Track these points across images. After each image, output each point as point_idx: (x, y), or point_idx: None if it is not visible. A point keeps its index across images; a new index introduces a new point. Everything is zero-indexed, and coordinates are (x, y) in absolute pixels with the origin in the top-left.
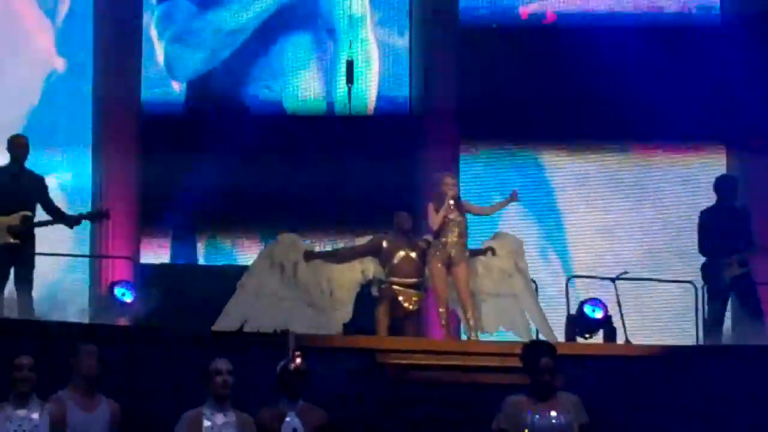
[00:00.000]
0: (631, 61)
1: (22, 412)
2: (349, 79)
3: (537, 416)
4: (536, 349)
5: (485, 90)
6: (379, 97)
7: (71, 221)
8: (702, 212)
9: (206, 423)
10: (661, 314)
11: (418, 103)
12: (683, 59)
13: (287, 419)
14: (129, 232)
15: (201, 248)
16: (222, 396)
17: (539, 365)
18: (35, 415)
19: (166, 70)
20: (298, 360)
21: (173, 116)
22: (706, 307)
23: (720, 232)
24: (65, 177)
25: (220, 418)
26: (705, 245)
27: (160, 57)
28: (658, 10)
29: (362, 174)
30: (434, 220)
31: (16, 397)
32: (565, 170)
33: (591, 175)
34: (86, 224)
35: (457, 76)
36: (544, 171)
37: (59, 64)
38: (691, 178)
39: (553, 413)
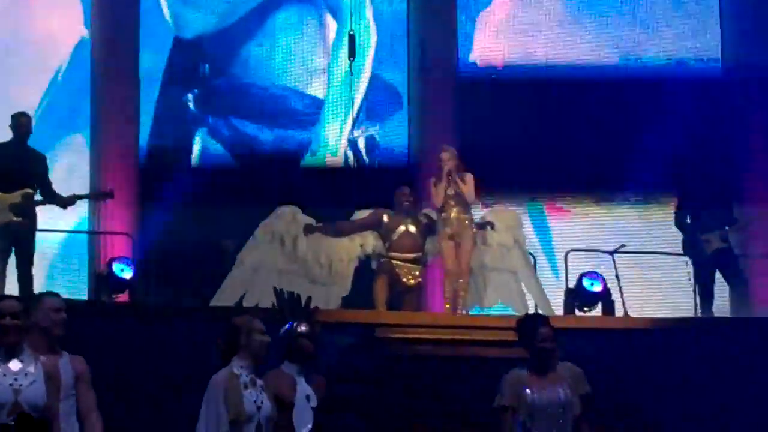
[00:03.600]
0: None
1: (15, 366)
2: (351, 53)
3: (537, 392)
4: (533, 321)
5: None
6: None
7: (68, 202)
8: (683, 187)
9: (242, 380)
10: (659, 287)
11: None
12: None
13: (299, 386)
14: (128, 208)
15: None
16: (260, 356)
17: (539, 334)
18: (31, 368)
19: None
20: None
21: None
22: (692, 281)
23: (700, 207)
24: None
25: (254, 379)
26: (682, 218)
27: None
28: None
29: None
30: (435, 196)
31: (6, 350)
32: None
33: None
34: (85, 201)
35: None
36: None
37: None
38: None
39: (553, 388)
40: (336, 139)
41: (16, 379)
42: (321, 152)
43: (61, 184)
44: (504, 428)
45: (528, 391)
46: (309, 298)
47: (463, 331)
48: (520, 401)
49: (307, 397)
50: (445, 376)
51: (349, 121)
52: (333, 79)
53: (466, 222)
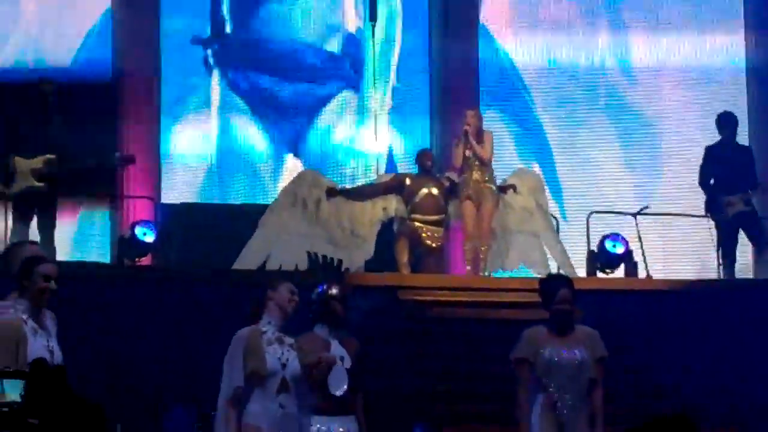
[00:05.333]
0: None
1: (45, 326)
2: (372, 16)
3: (554, 352)
4: (554, 282)
5: None
6: None
7: (92, 167)
8: (707, 147)
9: (266, 336)
10: (681, 249)
11: None
12: None
13: (332, 348)
14: (150, 172)
15: None
16: (288, 314)
17: (557, 296)
18: (52, 328)
19: None
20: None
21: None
22: (715, 242)
23: (724, 168)
24: None
25: (282, 337)
26: (705, 180)
27: None
28: None
29: None
30: (455, 157)
31: (38, 310)
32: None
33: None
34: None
35: None
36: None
37: None
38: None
39: (571, 349)
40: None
41: (48, 340)
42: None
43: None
44: (521, 380)
45: (546, 348)
46: (340, 261)
47: (485, 293)
48: (537, 357)
49: (341, 359)
50: (467, 337)
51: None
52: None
53: (486, 183)
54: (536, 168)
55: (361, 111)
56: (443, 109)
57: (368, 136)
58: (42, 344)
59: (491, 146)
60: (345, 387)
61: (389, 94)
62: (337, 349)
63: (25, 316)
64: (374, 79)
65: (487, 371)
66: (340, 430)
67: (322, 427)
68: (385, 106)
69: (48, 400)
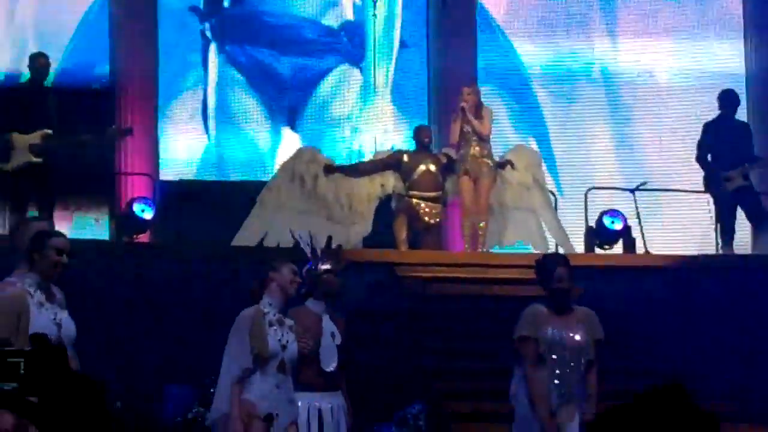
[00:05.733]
0: None
1: (52, 300)
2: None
3: (556, 332)
4: (551, 260)
5: None
6: None
7: (88, 141)
8: (705, 124)
9: (268, 318)
10: (680, 225)
11: None
12: None
13: (324, 324)
14: (148, 149)
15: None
16: (290, 296)
17: (554, 275)
18: (61, 302)
19: None
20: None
21: None
22: (713, 218)
23: (722, 143)
24: None
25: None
26: (702, 154)
27: None
28: None
29: None
30: (452, 133)
31: (47, 285)
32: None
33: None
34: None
35: None
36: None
37: None
38: (708, 87)
39: (571, 328)
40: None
41: (56, 314)
42: None
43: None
44: (527, 357)
45: (548, 327)
46: (329, 237)
47: (483, 269)
48: (538, 335)
49: (332, 335)
50: (465, 313)
51: None
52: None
53: (483, 159)
54: (533, 144)
55: (360, 86)
56: (441, 86)
57: (366, 111)
58: (48, 318)
59: (490, 122)
60: (335, 363)
61: (389, 69)
62: (328, 324)
63: (31, 290)
64: (374, 55)
65: (485, 348)
66: (329, 405)
67: (314, 403)
68: (384, 82)
69: (47, 376)
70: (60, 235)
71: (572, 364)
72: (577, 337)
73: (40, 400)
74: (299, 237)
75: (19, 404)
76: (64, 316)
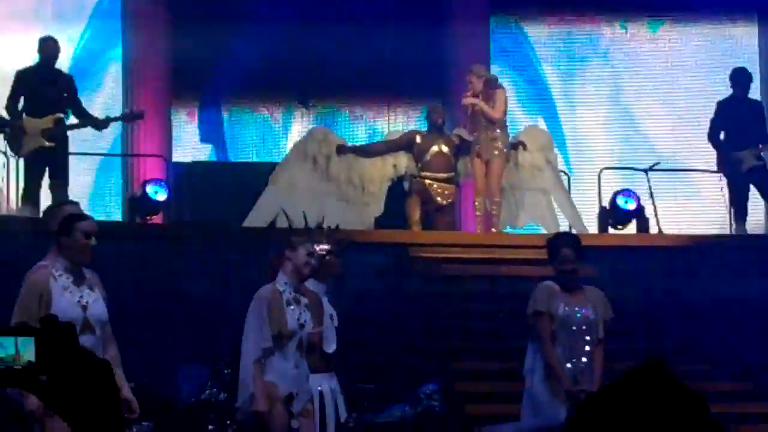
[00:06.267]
0: None
1: (80, 283)
2: None
3: (569, 309)
4: (558, 240)
5: None
6: None
7: (101, 124)
8: (719, 102)
9: (285, 296)
10: (693, 205)
11: None
12: None
13: (324, 306)
14: (161, 130)
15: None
16: (304, 277)
17: (560, 255)
18: (93, 285)
19: None
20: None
21: None
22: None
23: (735, 123)
24: None
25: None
26: (715, 133)
27: None
28: None
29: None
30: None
31: (76, 268)
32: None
33: (623, 63)
34: (118, 124)
35: None
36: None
37: None
38: (723, 65)
39: (582, 307)
40: None
41: (82, 296)
42: None
43: (103, 112)
44: (543, 332)
45: (560, 304)
46: (322, 218)
47: (496, 250)
48: (551, 311)
49: (331, 317)
50: (478, 294)
51: None
52: None
53: (494, 141)
54: (542, 123)
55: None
56: (453, 66)
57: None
58: (70, 301)
59: (503, 104)
60: (335, 346)
61: None
62: (327, 307)
63: (57, 273)
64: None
65: (498, 328)
66: (328, 386)
67: (316, 385)
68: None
69: (57, 356)
70: (87, 218)
71: (583, 340)
72: (590, 315)
73: (49, 378)
74: (291, 219)
75: (31, 383)
76: (91, 298)
